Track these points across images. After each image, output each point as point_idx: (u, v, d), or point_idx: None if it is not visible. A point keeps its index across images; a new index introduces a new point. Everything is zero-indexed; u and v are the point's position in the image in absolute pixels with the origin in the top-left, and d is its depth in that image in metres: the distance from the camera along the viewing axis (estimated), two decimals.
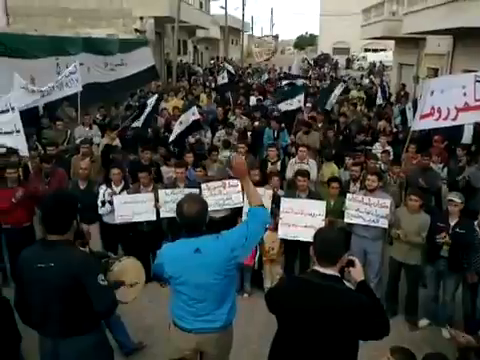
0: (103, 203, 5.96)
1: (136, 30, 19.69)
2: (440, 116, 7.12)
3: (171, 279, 3.05)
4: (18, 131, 6.82)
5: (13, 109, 6.79)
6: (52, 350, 2.99)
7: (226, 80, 13.34)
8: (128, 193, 6.03)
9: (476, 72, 7.21)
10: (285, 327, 2.78)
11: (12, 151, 7.03)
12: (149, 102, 8.01)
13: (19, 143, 6.87)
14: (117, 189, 6.06)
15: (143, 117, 8.33)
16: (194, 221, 2.99)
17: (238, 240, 3.00)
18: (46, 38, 11.55)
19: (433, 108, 7.12)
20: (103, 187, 6.02)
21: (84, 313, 2.94)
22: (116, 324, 4.58)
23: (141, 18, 20.10)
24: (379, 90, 15.52)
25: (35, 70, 9.76)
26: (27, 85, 8.30)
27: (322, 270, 2.66)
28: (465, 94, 6.94)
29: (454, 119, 7.10)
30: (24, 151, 6.93)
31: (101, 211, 5.96)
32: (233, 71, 23.64)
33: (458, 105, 6.98)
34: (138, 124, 8.70)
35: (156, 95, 8.66)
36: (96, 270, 2.95)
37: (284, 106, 10.65)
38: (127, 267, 3.49)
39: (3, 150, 7.05)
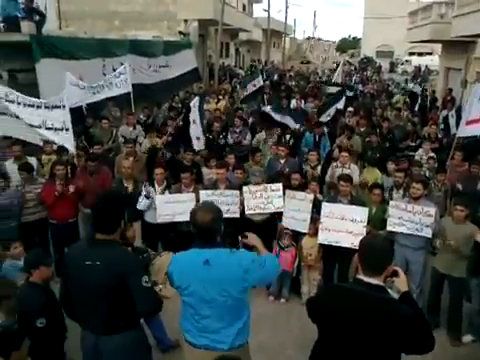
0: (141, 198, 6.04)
1: (180, 32, 20.02)
2: None
3: (179, 289, 2.97)
4: (67, 129, 7.07)
5: (64, 107, 7.05)
6: (94, 345, 3.07)
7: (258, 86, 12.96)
8: (170, 193, 6.12)
9: None
10: (326, 336, 2.72)
11: (63, 149, 7.31)
12: (192, 104, 8.07)
13: (67, 141, 7.13)
14: (159, 189, 6.14)
15: (198, 121, 8.30)
16: (207, 229, 2.90)
17: (253, 263, 2.88)
18: (94, 40, 11.94)
19: None
20: (146, 184, 6.14)
21: (126, 311, 2.99)
22: (154, 321, 4.67)
23: (185, 21, 20.45)
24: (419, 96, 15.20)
25: (83, 71, 10.09)
26: (78, 83, 8.60)
27: (366, 279, 2.59)
28: None
29: None
30: (71, 149, 7.21)
31: (139, 206, 6.03)
32: (243, 74, 23.76)
33: None
34: (196, 128, 8.33)
35: (197, 97, 8.70)
36: (141, 271, 3.00)
37: (324, 118, 10.54)
38: (167, 262, 3.55)
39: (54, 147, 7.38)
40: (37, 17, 10.35)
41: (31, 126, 7.15)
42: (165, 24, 20.96)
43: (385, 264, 2.60)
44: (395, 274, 2.67)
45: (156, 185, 6.14)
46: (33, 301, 3.61)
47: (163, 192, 6.10)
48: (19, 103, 7.18)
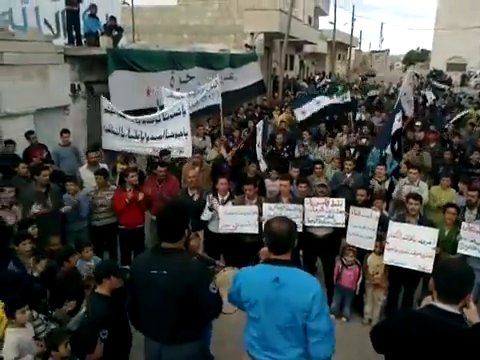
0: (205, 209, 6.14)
1: (246, 45, 20.35)
2: None
3: (246, 304, 2.94)
4: (186, 134, 7.62)
5: (184, 113, 7.60)
6: (158, 355, 3.09)
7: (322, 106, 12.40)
8: (233, 204, 6.18)
9: None
10: None
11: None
12: (258, 126, 8.10)
13: (185, 145, 7.64)
14: (223, 199, 6.21)
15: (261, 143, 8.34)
16: (283, 240, 2.85)
17: (319, 296, 2.76)
18: (164, 53, 12.39)
19: None
20: (210, 196, 6.24)
21: (192, 321, 3.02)
22: (205, 331, 4.67)
23: (252, 34, 20.77)
24: None
25: (152, 82, 10.51)
26: (172, 93, 9.04)
27: (443, 307, 2.40)
28: None
29: None
30: (188, 153, 7.67)
31: (203, 217, 6.13)
32: (306, 86, 23.34)
33: None
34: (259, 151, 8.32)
35: (261, 121, 8.69)
36: (208, 280, 3.03)
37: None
38: (230, 278, 3.58)
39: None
40: (115, 32, 10.96)
41: (153, 139, 7.81)
42: (232, 37, 21.44)
43: (465, 291, 2.42)
44: (464, 304, 2.47)
45: (219, 195, 6.22)
46: (97, 313, 3.69)
47: (226, 203, 6.15)
48: (139, 122, 7.92)
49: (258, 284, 2.86)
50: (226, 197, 6.24)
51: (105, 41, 10.27)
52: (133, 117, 8.03)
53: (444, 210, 5.80)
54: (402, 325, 2.54)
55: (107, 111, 8.19)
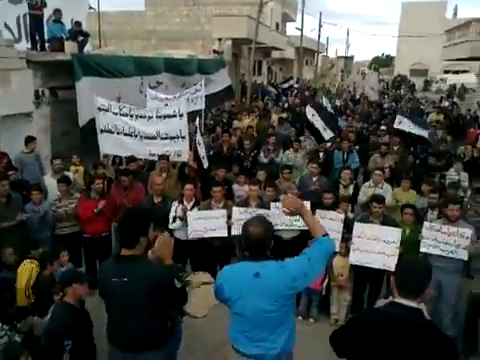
0: (174, 218, 6.12)
1: (214, 51, 20.41)
2: None
3: (229, 301, 3.00)
4: (183, 137, 7.46)
5: (182, 115, 7.45)
6: None
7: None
8: (199, 209, 6.18)
9: None
10: None
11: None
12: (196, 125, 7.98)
13: (181, 148, 7.48)
14: (189, 205, 6.21)
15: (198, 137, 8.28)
16: (259, 242, 2.92)
17: (300, 270, 2.91)
18: (132, 58, 12.27)
19: None
20: (175, 203, 6.21)
21: (155, 329, 3.00)
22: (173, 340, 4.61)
23: (219, 39, 20.84)
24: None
25: (122, 88, 10.38)
26: (157, 95, 8.89)
27: (404, 302, 2.50)
28: None
29: None
30: (184, 156, 7.52)
31: (172, 226, 6.10)
32: (275, 91, 23.79)
33: None
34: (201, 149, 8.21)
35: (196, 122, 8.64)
36: (172, 277, 3.00)
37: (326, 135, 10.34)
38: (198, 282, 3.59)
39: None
40: (81, 38, 10.80)
41: (147, 138, 7.57)
42: (200, 43, 21.47)
43: (424, 287, 2.52)
44: None
45: (185, 202, 6.22)
46: (62, 322, 3.63)
47: (192, 209, 6.16)
48: (132, 116, 7.65)
49: (240, 281, 2.94)
50: (192, 203, 6.24)
51: (70, 46, 10.10)
52: (127, 107, 7.78)
53: (402, 211, 5.98)
54: (365, 324, 2.61)
55: (101, 109, 7.88)
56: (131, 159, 7.44)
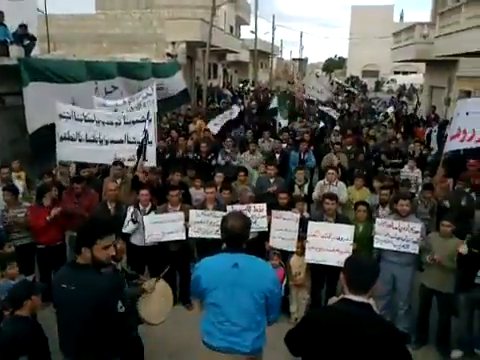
0: (128, 222, 6.01)
1: (168, 54, 20.23)
2: (465, 137, 7.17)
3: (205, 291, 3.05)
4: (150, 142, 7.31)
5: (150, 121, 7.36)
6: None
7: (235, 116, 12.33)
8: (156, 213, 6.09)
9: None
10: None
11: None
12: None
13: (150, 154, 7.33)
14: (145, 210, 6.11)
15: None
16: (238, 235, 3.04)
17: (276, 284, 3.11)
18: (83, 63, 11.96)
19: (459, 129, 7.21)
20: (131, 208, 6.11)
21: (102, 340, 2.92)
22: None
23: (173, 43, 20.70)
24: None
25: (75, 94, 10.08)
26: (105, 102, 8.65)
27: (354, 298, 2.57)
28: None
29: (479, 141, 7.09)
30: (153, 162, 7.42)
31: (125, 230, 5.97)
32: (231, 94, 24.11)
33: None
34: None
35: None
36: (116, 298, 2.92)
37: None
38: (157, 290, 3.53)
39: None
40: (27, 41, 10.40)
41: (113, 142, 7.47)
42: (153, 46, 21.22)
43: (372, 282, 2.60)
44: None
45: (141, 207, 6.13)
46: (17, 336, 3.47)
47: (148, 213, 6.07)
48: (98, 122, 7.50)
49: (218, 271, 3.03)
50: (148, 208, 6.16)
51: (16, 51, 9.70)
52: (91, 113, 7.62)
53: (355, 208, 6.14)
54: (317, 322, 2.66)
55: (63, 117, 7.67)
56: (83, 165, 7.23)
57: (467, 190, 7.31)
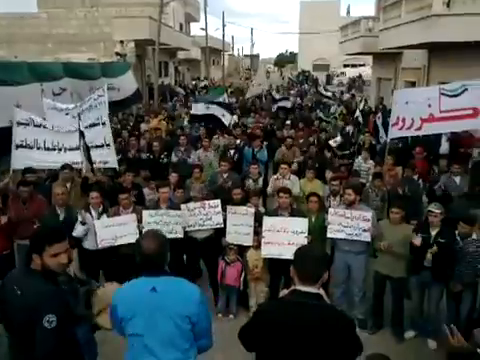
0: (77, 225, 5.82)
1: (117, 53, 19.80)
2: (404, 125, 7.44)
3: (123, 323, 2.79)
4: (108, 145, 7.25)
5: (104, 124, 7.28)
6: None
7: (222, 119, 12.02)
8: (108, 216, 5.95)
9: (442, 85, 7.42)
10: (271, 353, 2.63)
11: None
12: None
13: (109, 156, 7.27)
14: (95, 214, 5.95)
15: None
16: (155, 257, 2.77)
17: (201, 306, 2.80)
18: (25, 64, 11.47)
19: (398, 118, 7.48)
20: (82, 211, 5.92)
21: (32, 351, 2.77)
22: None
23: (121, 42, 20.25)
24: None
25: (20, 97, 9.64)
26: (55, 105, 8.32)
27: (304, 289, 2.60)
28: (430, 106, 7.19)
29: (418, 129, 7.40)
30: (114, 164, 7.38)
31: (75, 233, 5.79)
32: (183, 92, 24.07)
33: (423, 116, 7.26)
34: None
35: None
36: (46, 311, 2.73)
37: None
38: (109, 294, 3.43)
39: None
40: None
41: (71, 149, 7.32)
42: (101, 46, 20.69)
43: (321, 272, 2.63)
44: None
45: (92, 211, 5.95)
46: None
47: (100, 217, 5.92)
48: (57, 130, 7.37)
49: (135, 297, 2.77)
50: (100, 210, 5.99)
51: None
52: (52, 120, 7.50)
53: (307, 199, 6.22)
54: (269, 315, 2.67)
55: (21, 124, 7.37)
56: (29, 170, 6.94)
57: (415, 177, 7.61)
